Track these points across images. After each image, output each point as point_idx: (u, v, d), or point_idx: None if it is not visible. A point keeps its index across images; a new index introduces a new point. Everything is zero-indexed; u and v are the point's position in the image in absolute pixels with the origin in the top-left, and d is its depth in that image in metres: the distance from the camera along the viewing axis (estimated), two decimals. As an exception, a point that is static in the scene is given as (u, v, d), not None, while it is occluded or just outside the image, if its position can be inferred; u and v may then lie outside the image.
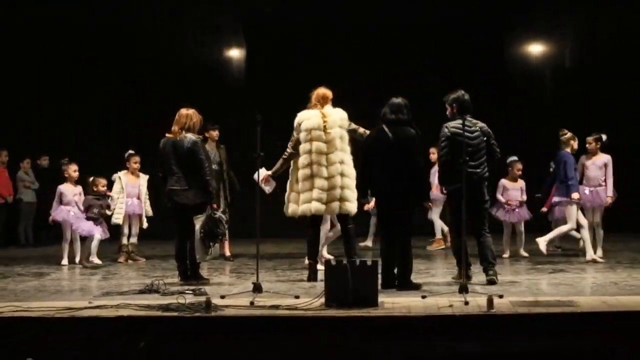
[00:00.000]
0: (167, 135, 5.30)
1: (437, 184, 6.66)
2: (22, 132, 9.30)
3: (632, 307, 4.01)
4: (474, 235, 5.04)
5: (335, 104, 5.39)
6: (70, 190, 6.71)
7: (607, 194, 6.41)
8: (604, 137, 6.45)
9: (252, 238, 5.12)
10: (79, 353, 3.76)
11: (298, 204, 5.26)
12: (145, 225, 6.96)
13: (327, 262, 4.37)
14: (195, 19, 9.47)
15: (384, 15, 9.16)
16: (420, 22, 9.13)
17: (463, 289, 4.29)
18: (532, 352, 3.68)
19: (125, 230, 6.80)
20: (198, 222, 5.20)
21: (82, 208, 6.56)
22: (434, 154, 7.07)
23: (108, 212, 6.70)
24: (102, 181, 6.60)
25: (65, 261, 6.62)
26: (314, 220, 5.30)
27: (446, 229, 7.29)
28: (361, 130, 5.27)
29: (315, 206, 5.17)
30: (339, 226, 5.70)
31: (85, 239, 6.59)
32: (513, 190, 6.85)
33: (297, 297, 4.36)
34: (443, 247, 7.45)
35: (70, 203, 6.67)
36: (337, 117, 5.23)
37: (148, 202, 6.94)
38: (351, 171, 5.24)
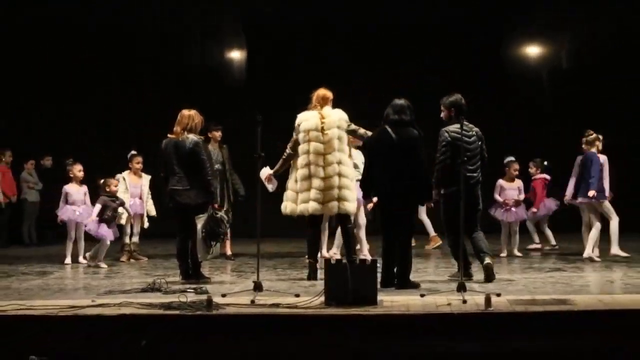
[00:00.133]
0: (169, 135, 5.34)
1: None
2: (22, 132, 9.31)
3: (628, 306, 4.05)
4: (467, 236, 5.09)
5: (336, 104, 5.42)
6: (76, 190, 6.77)
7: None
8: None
9: (252, 237, 5.17)
10: (81, 351, 3.79)
11: (296, 203, 5.31)
12: (146, 224, 7.01)
13: (326, 261, 4.41)
14: (195, 19, 9.47)
15: (384, 15, 9.16)
16: (420, 22, 9.13)
17: (461, 288, 4.33)
18: (530, 350, 3.71)
19: (128, 230, 6.86)
20: (200, 222, 5.25)
21: (97, 207, 6.46)
22: None
23: (124, 213, 6.69)
24: (114, 181, 6.58)
25: (68, 260, 6.67)
26: (313, 219, 5.34)
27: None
28: (361, 131, 5.30)
29: (313, 206, 5.22)
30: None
31: (99, 240, 6.51)
32: (510, 190, 6.90)
33: (297, 295, 4.40)
34: (440, 242, 7.48)
35: (75, 203, 6.73)
36: (336, 118, 5.26)
37: (151, 202, 6.99)
38: (350, 171, 5.28)
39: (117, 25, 9.20)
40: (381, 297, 4.23)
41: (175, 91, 8.98)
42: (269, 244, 7.61)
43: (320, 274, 5.05)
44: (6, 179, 8.38)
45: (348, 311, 3.94)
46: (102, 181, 6.60)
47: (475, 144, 5.19)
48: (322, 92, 5.35)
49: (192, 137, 5.27)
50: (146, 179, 6.98)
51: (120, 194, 6.71)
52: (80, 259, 6.76)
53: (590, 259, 6.27)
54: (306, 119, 5.31)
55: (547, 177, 7.19)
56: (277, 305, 4.11)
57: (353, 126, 5.30)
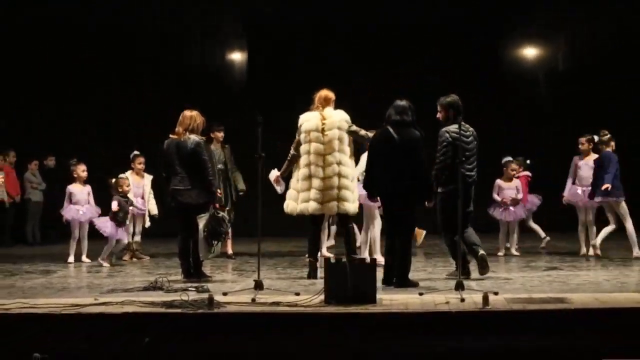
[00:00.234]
0: (171, 136, 5.40)
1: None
2: (23, 133, 9.33)
3: (623, 304, 4.09)
4: (458, 235, 5.13)
5: (336, 104, 5.46)
6: (79, 190, 6.83)
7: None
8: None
9: (253, 237, 5.20)
10: (84, 348, 3.83)
11: (297, 202, 5.36)
12: (148, 224, 7.06)
13: (326, 260, 4.46)
14: (195, 19, 9.49)
15: (384, 15, 9.18)
16: (420, 22, 9.14)
17: (459, 286, 4.38)
18: (527, 347, 3.74)
19: (130, 229, 6.91)
20: (201, 221, 5.30)
21: (114, 204, 6.45)
22: None
23: (139, 211, 6.70)
24: (126, 181, 6.61)
25: (71, 259, 6.73)
26: (314, 219, 5.40)
27: None
28: (362, 132, 5.34)
29: (313, 206, 5.27)
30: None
31: (117, 241, 6.51)
32: (508, 189, 6.94)
33: (297, 294, 4.44)
34: (425, 232, 7.43)
35: (79, 202, 6.80)
36: (337, 119, 5.30)
37: (153, 201, 7.04)
38: (350, 172, 5.31)
39: (117, 25, 9.22)
40: (380, 295, 4.27)
41: (176, 91, 9.01)
42: (270, 243, 7.66)
43: (320, 272, 5.10)
44: (10, 179, 8.43)
45: (347, 309, 3.99)
46: (113, 181, 6.62)
47: (473, 144, 5.25)
48: (324, 93, 5.39)
49: (194, 137, 5.32)
50: (148, 178, 7.03)
51: None
52: (84, 258, 6.82)
53: (586, 258, 6.34)
54: (307, 120, 5.36)
55: (529, 174, 7.24)
56: (277, 303, 4.15)
57: (354, 127, 5.33)
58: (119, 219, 6.46)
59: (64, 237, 7.38)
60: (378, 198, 5.16)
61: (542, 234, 7.28)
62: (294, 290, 4.63)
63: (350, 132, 5.32)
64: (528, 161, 7.33)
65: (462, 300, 4.16)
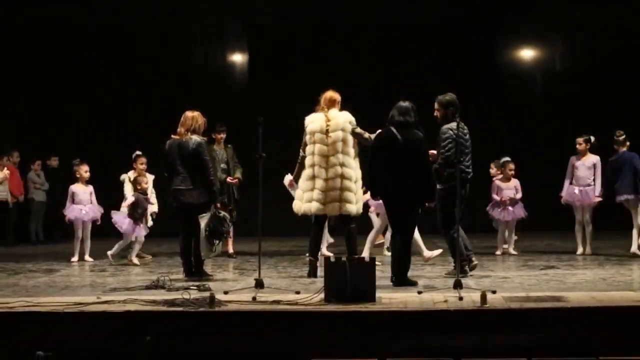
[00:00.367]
0: (172, 136, 5.44)
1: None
2: (24, 132, 9.34)
3: (619, 302, 4.13)
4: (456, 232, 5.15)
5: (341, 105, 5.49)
6: (82, 190, 6.90)
7: (595, 193, 6.61)
8: (593, 138, 6.63)
9: (254, 236, 5.24)
10: (87, 346, 3.87)
11: (302, 202, 5.42)
12: (150, 223, 7.11)
13: (326, 259, 4.51)
14: (196, 19, 9.47)
15: (384, 15, 9.19)
16: (420, 22, 9.15)
17: (457, 285, 4.42)
18: (524, 345, 3.78)
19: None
20: (203, 221, 5.35)
21: (130, 200, 6.48)
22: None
23: (155, 210, 6.71)
24: (144, 179, 6.63)
25: (75, 258, 6.79)
26: (317, 219, 5.45)
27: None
28: (366, 135, 5.37)
29: (315, 206, 5.33)
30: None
31: (135, 238, 6.53)
32: (507, 190, 6.98)
33: (297, 292, 4.48)
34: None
35: (82, 202, 6.86)
36: (341, 120, 5.34)
37: (154, 200, 7.10)
38: (353, 174, 5.34)
39: (117, 25, 9.22)
40: (379, 294, 4.30)
41: (176, 91, 9.03)
42: (270, 242, 7.70)
43: (320, 271, 5.14)
44: (14, 179, 8.47)
45: (347, 308, 4.02)
46: (132, 178, 6.66)
47: (469, 142, 5.31)
48: (329, 94, 5.43)
49: (196, 138, 5.37)
50: (149, 178, 7.09)
51: (127, 193, 6.83)
52: (86, 257, 6.88)
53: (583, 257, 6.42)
54: (312, 121, 5.41)
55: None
56: (278, 302, 4.20)
57: (359, 129, 5.36)
58: (136, 216, 6.49)
59: (67, 236, 7.43)
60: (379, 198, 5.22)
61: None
62: (294, 289, 4.67)
63: (353, 134, 5.36)
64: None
65: (461, 298, 4.19)
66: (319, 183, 5.31)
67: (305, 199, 5.37)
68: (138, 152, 7.07)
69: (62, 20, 9.15)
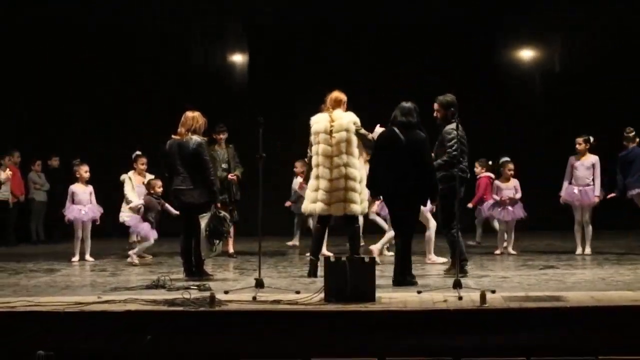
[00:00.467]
0: (173, 136, 5.46)
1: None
2: (23, 132, 9.34)
3: (618, 302, 4.14)
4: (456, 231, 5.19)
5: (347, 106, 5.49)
6: (82, 190, 6.92)
7: (595, 193, 6.64)
8: (592, 138, 6.65)
9: (254, 236, 5.27)
10: (87, 346, 3.88)
11: (309, 201, 5.47)
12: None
13: (326, 259, 4.52)
14: (196, 19, 9.48)
15: (384, 15, 9.19)
16: (420, 22, 9.15)
17: (457, 285, 4.43)
18: (524, 345, 3.79)
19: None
20: (203, 221, 5.36)
21: (139, 201, 6.50)
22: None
23: (174, 211, 6.74)
24: (159, 182, 6.63)
25: (76, 258, 6.81)
26: (321, 219, 5.47)
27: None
28: (370, 136, 5.39)
29: (320, 206, 5.35)
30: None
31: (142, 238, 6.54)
32: (507, 190, 6.99)
33: (297, 292, 4.50)
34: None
35: (81, 202, 6.88)
36: (345, 121, 5.35)
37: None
38: (357, 174, 5.35)
39: (117, 25, 9.22)
40: (379, 294, 4.32)
41: (176, 91, 9.04)
42: (270, 242, 7.71)
43: (320, 271, 5.15)
44: (15, 179, 8.49)
45: (347, 307, 4.04)
46: (146, 182, 6.67)
47: (466, 142, 5.32)
48: (335, 94, 5.45)
49: (196, 138, 5.39)
50: (150, 178, 7.10)
51: (128, 193, 6.84)
52: (87, 256, 6.90)
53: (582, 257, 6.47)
54: (317, 122, 5.43)
55: (492, 175, 7.29)
56: (278, 301, 4.21)
57: (363, 130, 5.38)
58: (150, 219, 6.51)
59: (68, 236, 7.44)
60: (381, 197, 5.24)
61: (478, 238, 7.41)
62: (294, 288, 4.69)
63: (357, 135, 5.37)
64: (490, 162, 7.41)
65: (460, 298, 4.21)
66: (323, 183, 5.33)
67: (311, 198, 5.41)
68: (138, 152, 7.08)
69: (62, 20, 9.15)
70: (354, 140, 5.35)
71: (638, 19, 9.04)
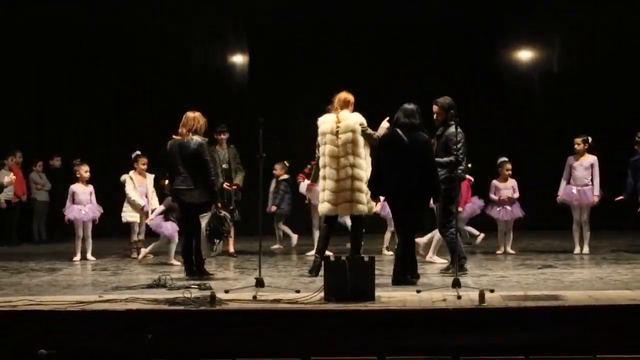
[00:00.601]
0: (174, 136, 5.49)
1: None
2: (23, 133, 9.36)
3: (616, 301, 4.16)
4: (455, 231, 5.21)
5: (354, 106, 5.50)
6: (82, 190, 6.95)
7: (594, 193, 6.67)
8: (590, 138, 6.68)
9: (254, 235, 5.30)
10: (89, 345, 3.90)
11: (319, 201, 5.51)
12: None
13: (326, 258, 4.55)
14: (196, 19, 9.48)
15: (384, 15, 9.20)
16: (420, 22, 9.16)
17: (456, 284, 4.46)
18: (522, 344, 3.81)
19: (137, 228, 7.00)
20: (203, 220, 5.39)
21: (160, 207, 6.49)
22: None
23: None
24: None
25: (77, 257, 6.84)
26: (328, 218, 5.50)
27: None
28: (375, 136, 5.40)
29: (327, 207, 5.39)
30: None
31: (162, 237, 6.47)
32: (505, 190, 7.01)
33: (297, 291, 4.52)
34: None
35: (81, 202, 6.92)
36: (351, 122, 5.37)
37: (155, 199, 7.11)
38: (363, 174, 5.36)
39: (117, 25, 9.23)
40: (379, 293, 4.34)
41: (176, 91, 9.06)
42: (271, 241, 7.72)
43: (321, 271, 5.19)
44: (17, 179, 8.52)
45: (347, 307, 4.06)
46: (166, 182, 6.57)
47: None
48: (342, 95, 5.47)
49: (197, 138, 5.41)
50: (150, 177, 7.13)
51: (130, 193, 6.85)
52: (88, 255, 6.93)
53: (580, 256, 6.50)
54: (324, 122, 5.46)
55: (471, 178, 7.29)
56: (278, 300, 4.23)
57: (369, 131, 5.40)
58: (172, 219, 6.50)
59: (69, 235, 7.47)
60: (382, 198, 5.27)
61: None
62: (294, 287, 4.71)
63: (366, 136, 5.39)
64: (470, 165, 7.39)
65: (459, 297, 4.23)
66: (330, 184, 5.37)
67: (320, 199, 5.46)
68: (138, 152, 7.11)
69: (62, 20, 9.16)
70: (361, 140, 5.37)
71: (638, 19, 9.03)
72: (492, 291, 4.40)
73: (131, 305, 4.17)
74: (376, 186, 5.09)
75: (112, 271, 6.06)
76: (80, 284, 5.36)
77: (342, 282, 4.20)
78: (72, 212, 6.91)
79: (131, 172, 7.02)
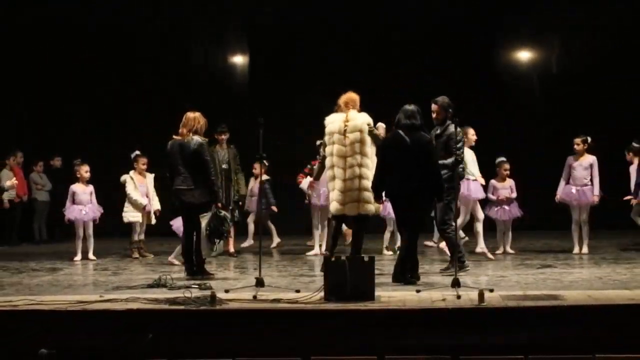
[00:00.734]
0: (174, 137, 5.50)
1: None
2: (23, 133, 9.37)
3: (615, 301, 4.17)
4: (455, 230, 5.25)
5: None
6: (82, 190, 6.97)
7: (594, 193, 6.69)
8: (589, 138, 6.69)
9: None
10: (89, 344, 3.91)
11: (329, 201, 5.55)
12: (153, 221, 7.15)
13: (326, 258, 4.56)
14: (196, 19, 9.48)
15: (384, 15, 9.21)
16: (420, 22, 9.18)
17: (455, 284, 4.47)
18: (521, 343, 3.82)
19: (137, 228, 7.01)
20: (204, 220, 5.40)
21: (157, 207, 6.45)
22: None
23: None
24: None
25: (78, 257, 6.86)
26: (337, 218, 5.52)
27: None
28: (382, 136, 5.44)
29: (335, 206, 5.42)
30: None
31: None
32: (503, 189, 7.02)
33: (297, 291, 4.54)
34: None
35: (82, 202, 6.93)
36: (359, 122, 5.39)
37: (156, 198, 7.12)
38: (371, 174, 5.37)
39: (117, 25, 9.23)
40: (378, 292, 4.35)
41: (176, 91, 9.06)
42: (271, 241, 7.74)
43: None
44: (18, 180, 8.53)
45: (346, 306, 4.07)
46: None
47: None
48: (349, 95, 5.50)
49: (197, 138, 5.43)
50: (150, 177, 7.14)
51: (131, 193, 6.86)
52: (90, 255, 6.94)
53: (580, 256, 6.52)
54: (331, 122, 5.48)
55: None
56: (278, 300, 4.25)
57: (376, 131, 5.44)
58: None
59: (70, 235, 7.49)
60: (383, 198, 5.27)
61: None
62: (295, 287, 4.73)
63: (370, 135, 5.40)
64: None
65: (459, 297, 4.24)
66: (338, 184, 5.40)
67: (330, 198, 5.49)
68: (138, 152, 7.12)
69: (62, 20, 9.16)
70: (368, 140, 5.39)
71: (638, 19, 9.03)
72: (491, 291, 4.41)
73: (132, 305, 4.19)
74: (378, 187, 5.11)
75: (113, 271, 6.08)
76: (81, 284, 5.37)
77: (342, 282, 4.21)
78: (72, 212, 6.93)
79: (131, 172, 7.04)
